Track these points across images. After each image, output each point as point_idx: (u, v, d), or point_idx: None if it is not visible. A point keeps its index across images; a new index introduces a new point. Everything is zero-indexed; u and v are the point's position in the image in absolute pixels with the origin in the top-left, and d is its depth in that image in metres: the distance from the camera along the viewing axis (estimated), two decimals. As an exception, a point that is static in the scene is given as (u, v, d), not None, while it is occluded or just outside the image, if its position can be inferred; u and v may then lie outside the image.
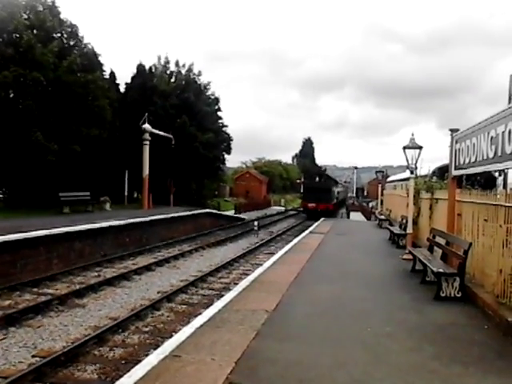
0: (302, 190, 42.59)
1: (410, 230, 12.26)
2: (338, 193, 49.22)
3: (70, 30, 27.11)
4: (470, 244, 7.63)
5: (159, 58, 39.08)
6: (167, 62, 39.33)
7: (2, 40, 23.19)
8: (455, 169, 9.06)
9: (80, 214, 21.49)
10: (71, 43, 27.34)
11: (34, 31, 24.12)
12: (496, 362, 4.86)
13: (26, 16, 24.72)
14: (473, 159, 7.81)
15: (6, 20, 22.65)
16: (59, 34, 26.39)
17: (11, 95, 23.70)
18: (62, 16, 26.57)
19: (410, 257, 10.71)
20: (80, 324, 9.17)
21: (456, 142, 9.01)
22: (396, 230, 15.76)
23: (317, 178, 42.34)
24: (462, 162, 8.56)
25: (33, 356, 7.37)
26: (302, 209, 41.91)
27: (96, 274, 14.07)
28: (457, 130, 9.06)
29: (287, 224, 34.64)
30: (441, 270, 7.62)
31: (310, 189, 39.03)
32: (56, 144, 22.90)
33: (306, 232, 18.31)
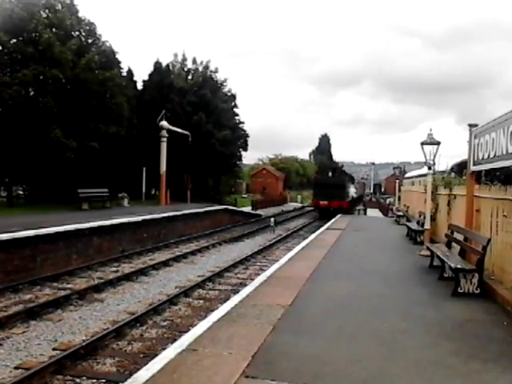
0: (313, 187, 38.12)
1: (427, 225, 12.14)
2: (355, 189, 46.00)
3: (88, 28, 27.40)
4: (489, 240, 7.54)
5: (176, 56, 39.33)
6: (184, 60, 39.54)
7: (22, 39, 23.52)
8: (474, 164, 8.95)
9: (98, 210, 21.75)
10: (89, 41, 27.64)
11: (53, 30, 24.41)
12: (515, 358, 4.80)
13: (45, 15, 25.03)
14: (492, 154, 7.71)
15: (25, 19, 22.96)
16: (77, 33, 26.70)
17: (31, 93, 24.05)
18: (80, 14, 26.90)
19: (428, 253, 10.62)
20: (99, 318, 9.30)
21: (475, 137, 8.90)
22: (413, 226, 15.62)
23: (329, 173, 37.68)
24: (480, 158, 8.46)
25: (53, 349, 7.52)
26: (312, 207, 38.50)
27: (114, 269, 14.24)
28: (476, 125, 8.94)
29: (304, 220, 34.67)
30: (459, 266, 7.54)
31: (322, 185, 35.29)
32: (74, 141, 23.20)
33: (323, 228, 18.26)
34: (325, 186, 34.63)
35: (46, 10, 25.32)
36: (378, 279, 8.75)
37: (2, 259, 11.87)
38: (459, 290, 7.43)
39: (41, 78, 23.38)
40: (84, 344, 7.41)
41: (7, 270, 11.95)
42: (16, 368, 6.73)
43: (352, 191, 42.58)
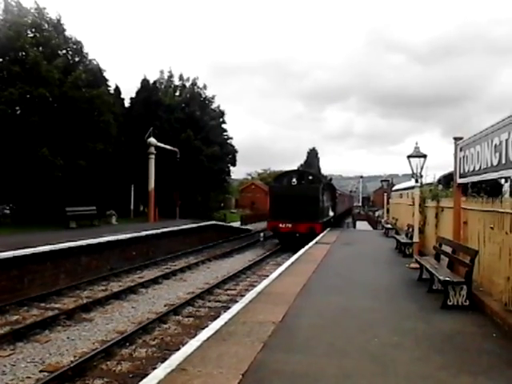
0: (269, 200, 26.05)
1: (416, 238, 12.20)
2: (335, 201, 32.63)
3: (74, 46, 27.49)
4: (477, 252, 7.59)
5: (162, 72, 39.49)
6: (171, 76, 39.73)
7: (9, 58, 23.51)
8: (460, 177, 9.04)
9: (86, 229, 21.56)
10: (76, 59, 27.71)
11: (40, 48, 24.48)
12: (505, 371, 4.80)
13: (31, 34, 25.08)
14: (477, 167, 7.80)
15: (12, 38, 22.97)
16: (64, 51, 26.80)
17: (18, 112, 23.95)
18: (67, 33, 27.03)
19: (417, 265, 10.66)
20: (87, 338, 9.18)
21: (460, 150, 9.00)
22: (402, 238, 15.70)
23: (293, 179, 25.91)
24: (466, 170, 8.55)
25: (40, 371, 7.39)
26: (270, 231, 26.45)
27: (103, 287, 14.09)
28: (460, 139, 9.05)
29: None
30: (448, 279, 7.58)
31: (282, 198, 24.50)
32: (62, 159, 23.10)
33: (312, 242, 18.25)
34: (286, 199, 24.27)
35: (33, 29, 25.37)
36: (368, 293, 8.75)
37: (-13, 280, 11.69)
38: (448, 303, 7.46)
39: (27, 96, 23.32)
40: (72, 365, 7.30)
41: (-7, 291, 11.76)
42: (2, 392, 6.60)
43: (330, 205, 30.06)
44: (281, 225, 23.86)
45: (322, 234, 22.18)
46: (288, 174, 26.89)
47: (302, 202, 23.75)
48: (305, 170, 30.51)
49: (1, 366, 7.59)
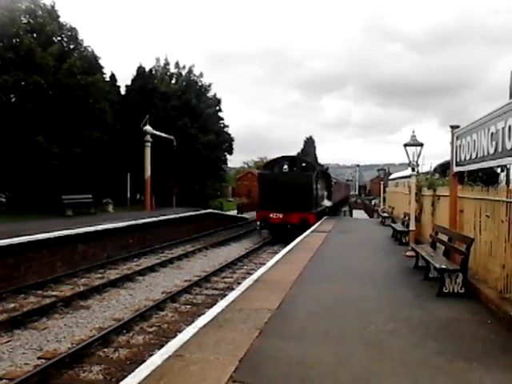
0: (258, 189, 25.03)
1: (412, 227, 12.25)
2: (331, 190, 31.15)
3: (69, 33, 27.18)
4: (473, 240, 7.64)
5: (158, 60, 39.19)
6: (167, 64, 39.43)
7: (3, 44, 23.23)
8: (456, 165, 9.06)
9: (83, 217, 21.53)
10: (71, 46, 27.41)
11: (34, 35, 24.20)
12: (500, 356, 4.86)
13: (26, 20, 24.79)
14: (473, 155, 7.81)
15: (6, 25, 22.68)
16: (59, 38, 26.48)
17: (12, 99, 23.76)
18: (61, 20, 26.70)
19: (413, 254, 10.71)
20: (85, 325, 9.22)
21: (457, 139, 9.01)
22: (399, 227, 15.75)
23: (285, 166, 24.08)
24: (462, 159, 8.56)
25: (38, 358, 7.43)
26: (258, 222, 24.69)
27: (100, 275, 14.12)
28: (457, 127, 9.05)
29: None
30: (443, 267, 7.62)
31: (272, 186, 23.06)
32: (57, 147, 22.96)
33: (309, 231, 18.29)
34: (277, 187, 22.82)
35: (27, 16, 25.07)
36: (364, 281, 8.80)
37: (-16, 268, 11.69)
38: (444, 290, 7.51)
39: (22, 83, 23.10)
40: (70, 352, 7.34)
41: (-10, 279, 11.77)
42: (0, 379, 6.63)
43: (325, 194, 29.03)
44: (271, 215, 22.57)
45: (318, 223, 22.19)
46: (279, 161, 24.77)
47: (294, 191, 22.40)
48: (297, 156, 26.74)
49: (-2, 352, 7.62)
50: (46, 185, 24.32)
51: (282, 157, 25.02)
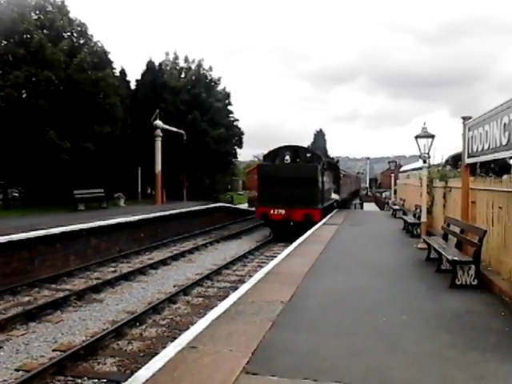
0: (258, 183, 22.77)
1: (424, 218, 12.18)
2: (339, 183, 29.49)
3: (79, 28, 27.26)
4: (485, 231, 7.58)
5: (167, 54, 39.13)
6: (176, 58, 39.36)
7: (14, 41, 23.38)
8: (468, 157, 8.99)
9: (95, 211, 21.70)
10: (81, 42, 27.49)
11: (45, 31, 24.29)
12: (513, 348, 4.85)
13: (36, 16, 24.91)
14: (486, 147, 7.74)
15: (16, 21, 22.82)
16: (69, 33, 26.57)
17: (24, 95, 23.92)
18: (71, 15, 26.76)
19: (425, 246, 10.66)
20: (98, 318, 9.32)
21: (469, 130, 8.93)
22: (410, 219, 15.68)
23: (286, 157, 22.13)
24: (474, 150, 8.49)
25: (53, 350, 7.53)
26: (259, 219, 22.60)
27: (112, 269, 14.25)
28: (469, 118, 8.97)
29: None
30: (456, 258, 7.59)
31: (274, 180, 20.97)
32: (69, 142, 23.10)
33: (320, 224, 18.27)
34: (278, 180, 20.82)
35: (37, 12, 25.19)
36: (376, 273, 8.78)
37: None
38: (457, 282, 7.48)
39: (33, 79, 23.23)
40: (84, 344, 7.43)
41: (5, 273, 11.93)
42: (17, 370, 6.74)
43: (333, 188, 27.24)
44: (272, 211, 20.68)
45: (329, 216, 22.09)
46: (280, 151, 22.56)
47: (298, 185, 20.36)
48: (301, 146, 23.76)
49: (15, 345, 7.74)
50: (58, 180, 24.52)
51: (284, 146, 22.75)
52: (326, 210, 22.77)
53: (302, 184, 20.45)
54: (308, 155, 22.81)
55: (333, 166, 29.36)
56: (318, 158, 23.03)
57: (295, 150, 22.65)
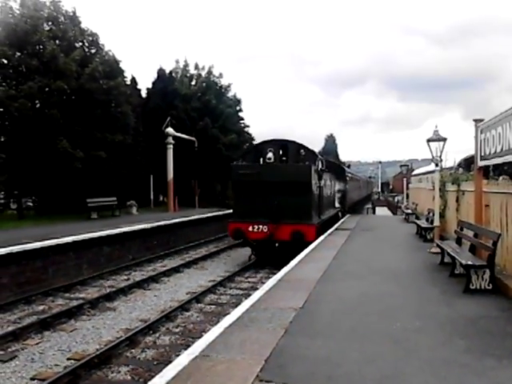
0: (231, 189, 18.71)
1: (436, 223, 12.09)
2: (345, 188, 25.98)
3: (90, 38, 27.58)
4: (499, 235, 7.50)
5: (177, 62, 39.42)
6: (186, 65, 39.62)
7: (27, 52, 23.69)
8: (481, 159, 8.91)
9: (107, 219, 21.85)
10: (92, 51, 27.79)
11: (57, 41, 24.62)
12: (530, 354, 4.77)
13: (48, 27, 25.25)
14: (499, 149, 7.67)
15: (29, 32, 23.15)
16: (81, 43, 26.88)
17: (37, 105, 24.21)
18: (82, 25, 27.09)
19: (438, 250, 10.57)
20: (112, 327, 9.35)
21: (481, 132, 8.86)
22: (423, 223, 15.56)
23: (269, 154, 16.76)
24: (487, 153, 8.42)
25: (68, 359, 7.57)
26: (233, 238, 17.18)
27: (125, 277, 14.31)
28: (481, 120, 8.90)
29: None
30: (470, 263, 7.51)
31: (251, 185, 16.01)
32: (81, 151, 23.32)
33: (332, 229, 18.20)
34: (259, 187, 15.80)
35: (50, 23, 25.53)
36: (389, 278, 8.72)
37: (14, 271, 11.97)
38: (471, 287, 7.40)
39: (46, 89, 23.55)
40: (98, 353, 7.46)
41: (20, 282, 12.05)
42: (32, 379, 6.80)
43: (336, 195, 23.01)
44: (250, 228, 15.61)
45: (341, 220, 21.90)
46: (262, 147, 17.18)
47: (285, 191, 15.33)
48: (290, 140, 17.73)
49: (30, 353, 7.80)
50: (71, 188, 24.73)
51: (267, 141, 17.45)
52: (326, 225, 18.20)
53: (291, 190, 15.35)
54: (301, 152, 17.35)
55: (336, 167, 25.39)
56: (313, 155, 17.75)
57: (282, 146, 17.19)
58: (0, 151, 23.10)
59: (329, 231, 17.32)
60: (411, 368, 4.42)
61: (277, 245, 15.55)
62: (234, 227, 16.06)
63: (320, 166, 17.64)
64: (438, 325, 5.77)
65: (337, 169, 24.99)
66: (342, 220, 22.40)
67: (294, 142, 17.60)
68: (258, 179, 15.68)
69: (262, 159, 16.89)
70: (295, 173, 15.86)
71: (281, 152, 17.06)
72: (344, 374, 4.30)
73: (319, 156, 18.46)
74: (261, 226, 15.60)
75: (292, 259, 11.01)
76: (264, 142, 17.60)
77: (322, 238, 15.26)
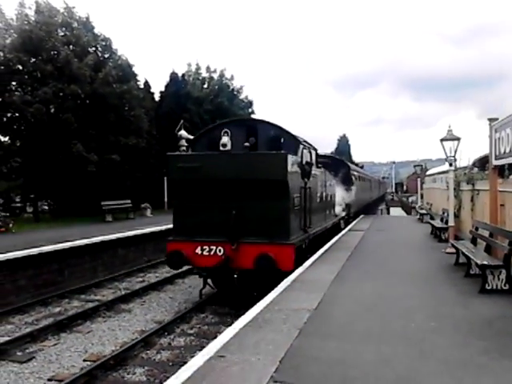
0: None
1: (451, 223, 11.99)
2: (350, 189, 20.54)
3: (104, 43, 27.90)
4: (516, 235, 7.42)
5: (189, 65, 39.62)
6: (198, 68, 39.82)
7: (41, 58, 24.02)
8: (496, 159, 8.83)
9: (122, 222, 21.99)
10: (105, 56, 28.11)
11: (71, 47, 24.94)
12: (548, 354, 4.71)
13: (62, 33, 25.59)
14: (514, 148, 7.61)
15: (44, 39, 23.49)
16: (94, 48, 27.22)
17: (52, 110, 24.53)
18: (95, 31, 27.44)
19: (453, 250, 10.48)
20: (127, 328, 9.41)
21: (495, 132, 8.78)
22: (437, 223, 15.43)
23: (224, 139, 9.94)
24: (502, 152, 8.34)
25: (84, 360, 7.63)
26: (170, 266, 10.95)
27: (140, 279, 14.38)
28: (495, 120, 8.83)
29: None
30: (485, 263, 7.44)
31: (197, 185, 10.20)
32: (96, 154, 23.57)
33: (345, 230, 18.11)
34: (209, 188, 10.19)
35: (63, 28, 25.87)
36: (404, 279, 8.67)
37: (31, 274, 12.14)
38: (487, 287, 7.33)
39: (60, 94, 23.87)
40: (114, 354, 7.52)
41: (36, 284, 12.21)
42: (49, 380, 6.87)
43: (335, 199, 17.12)
44: (196, 251, 10.10)
45: (354, 222, 21.73)
46: (219, 131, 10.58)
47: (246, 195, 9.87)
48: (259, 120, 13.19)
49: (47, 355, 7.88)
50: (85, 191, 24.99)
51: (225, 122, 12.04)
52: (315, 243, 12.47)
53: (257, 193, 9.80)
54: (279, 139, 11.03)
55: (337, 163, 20.47)
56: (295, 141, 11.17)
57: (248, 128, 11.33)
58: (16, 155, 23.41)
59: (342, 232, 17.22)
60: (427, 369, 4.39)
61: (236, 274, 9.89)
62: (172, 248, 10.44)
63: (306, 159, 11.61)
64: (454, 325, 5.73)
65: (338, 164, 20.15)
66: (355, 221, 22.24)
67: (267, 123, 11.54)
68: (207, 176, 10.07)
69: (214, 145, 10.60)
70: (263, 166, 9.70)
71: (246, 137, 10.91)
72: (359, 374, 4.29)
73: (306, 144, 11.95)
74: (213, 248, 10.01)
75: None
76: (222, 124, 11.60)
77: (335, 238, 15.11)
